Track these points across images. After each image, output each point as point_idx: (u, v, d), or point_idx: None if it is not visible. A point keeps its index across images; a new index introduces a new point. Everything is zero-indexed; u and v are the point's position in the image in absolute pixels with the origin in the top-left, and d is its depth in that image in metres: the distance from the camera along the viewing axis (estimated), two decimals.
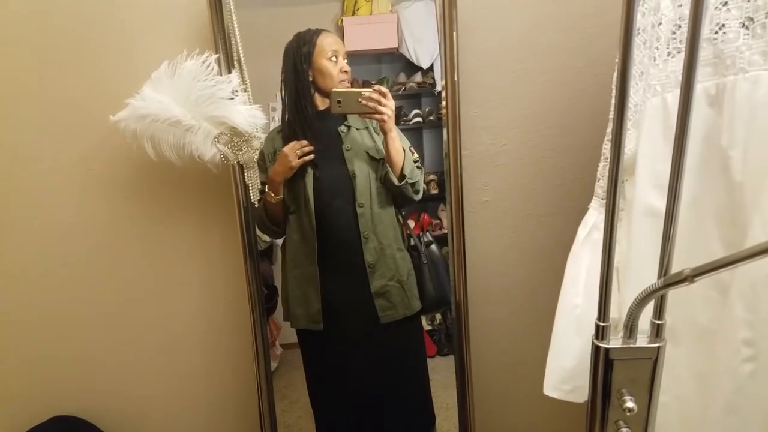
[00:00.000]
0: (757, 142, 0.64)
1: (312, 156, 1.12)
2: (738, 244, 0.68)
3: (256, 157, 1.09)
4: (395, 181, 1.11)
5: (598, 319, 0.62)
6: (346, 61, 1.12)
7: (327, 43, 1.10)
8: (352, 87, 1.13)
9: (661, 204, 0.70)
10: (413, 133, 1.18)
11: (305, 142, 1.11)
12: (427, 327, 1.27)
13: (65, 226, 1.27)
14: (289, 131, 1.13)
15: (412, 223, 1.23)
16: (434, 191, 1.23)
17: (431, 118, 1.21)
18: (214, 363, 1.37)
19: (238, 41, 1.07)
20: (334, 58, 1.10)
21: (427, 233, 1.23)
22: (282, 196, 1.15)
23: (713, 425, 0.71)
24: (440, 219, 1.26)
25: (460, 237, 1.17)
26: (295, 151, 1.10)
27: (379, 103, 1.06)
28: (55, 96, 1.19)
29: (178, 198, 1.25)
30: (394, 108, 1.08)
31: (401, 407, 1.26)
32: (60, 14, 1.15)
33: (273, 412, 1.25)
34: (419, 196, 1.16)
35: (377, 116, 1.07)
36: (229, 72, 1.06)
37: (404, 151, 1.11)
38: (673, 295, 0.60)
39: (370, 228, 1.14)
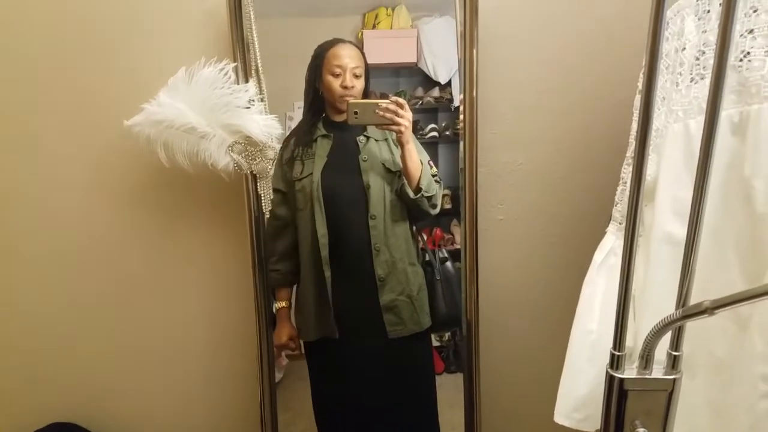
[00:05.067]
0: None
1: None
2: (759, 276, 0.66)
3: (269, 167, 1.09)
4: (411, 194, 1.10)
5: (614, 348, 0.61)
6: (357, 75, 1.11)
7: (333, 56, 1.10)
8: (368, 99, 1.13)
9: (680, 231, 0.68)
10: (429, 147, 1.17)
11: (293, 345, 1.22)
12: (435, 343, 1.25)
13: (71, 228, 1.27)
14: (304, 140, 1.14)
15: (424, 237, 1.22)
16: (448, 206, 1.21)
17: (447, 132, 1.20)
18: (218, 373, 1.36)
19: (257, 50, 1.07)
20: (338, 73, 1.10)
21: (443, 249, 1.22)
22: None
23: None
24: (453, 234, 1.24)
25: (474, 254, 1.16)
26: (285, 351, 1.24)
27: (396, 114, 1.05)
28: (69, 98, 1.20)
29: (187, 205, 1.25)
30: (411, 119, 1.07)
31: (406, 425, 1.24)
32: (79, 18, 1.16)
33: (275, 424, 1.24)
34: (436, 211, 1.14)
35: (394, 127, 1.06)
36: (247, 81, 1.07)
37: (422, 164, 1.11)
38: (689, 323, 0.59)
39: (383, 241, 1.13)
